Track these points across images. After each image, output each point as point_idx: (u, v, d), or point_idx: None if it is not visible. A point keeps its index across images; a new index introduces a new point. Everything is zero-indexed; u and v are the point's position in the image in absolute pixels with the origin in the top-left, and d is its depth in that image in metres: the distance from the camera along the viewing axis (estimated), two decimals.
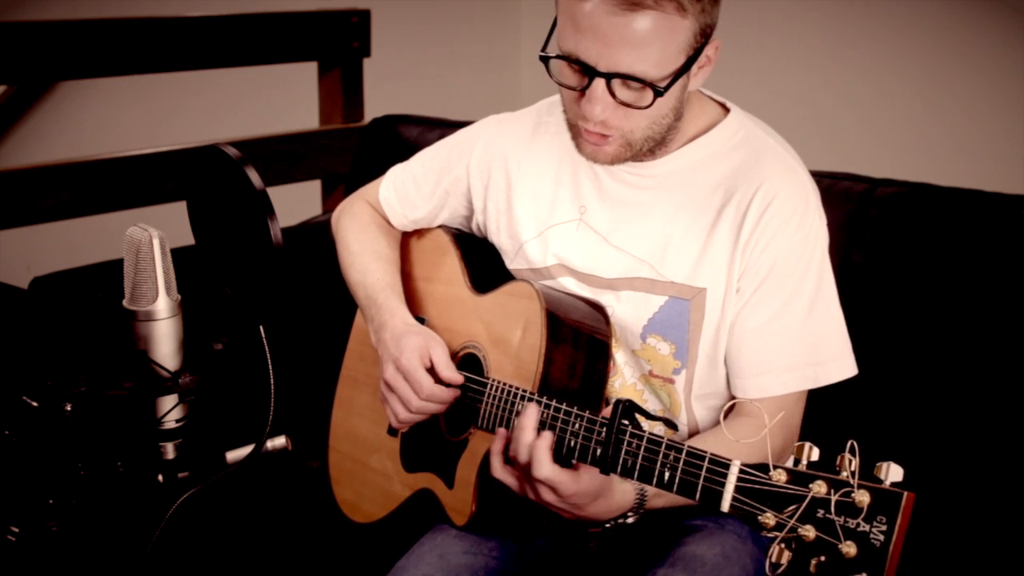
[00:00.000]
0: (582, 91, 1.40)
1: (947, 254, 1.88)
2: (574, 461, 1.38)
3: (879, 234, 1.93)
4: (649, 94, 1.37)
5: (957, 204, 1.91)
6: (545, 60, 1.42)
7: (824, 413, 1.60)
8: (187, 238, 1.43)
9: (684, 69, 1.38)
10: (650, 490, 1.44)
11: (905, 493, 1.06)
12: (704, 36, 1.39)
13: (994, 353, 1.83)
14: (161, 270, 1.34)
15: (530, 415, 1.39)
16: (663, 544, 1.51)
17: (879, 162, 2.68)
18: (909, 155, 3.38)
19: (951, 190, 1.93)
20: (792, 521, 1.11)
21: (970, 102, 3.28)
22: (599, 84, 1.38)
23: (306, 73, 3.25)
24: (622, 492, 1.43)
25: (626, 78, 1.36)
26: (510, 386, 1.50)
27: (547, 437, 1.37)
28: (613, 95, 1.38)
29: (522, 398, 1.47)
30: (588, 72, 1.37)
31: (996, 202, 1.89)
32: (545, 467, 1.35)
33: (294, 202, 3.08)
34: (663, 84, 1.37)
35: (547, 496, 1.38)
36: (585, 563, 1.59)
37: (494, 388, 1.52)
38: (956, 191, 1.93)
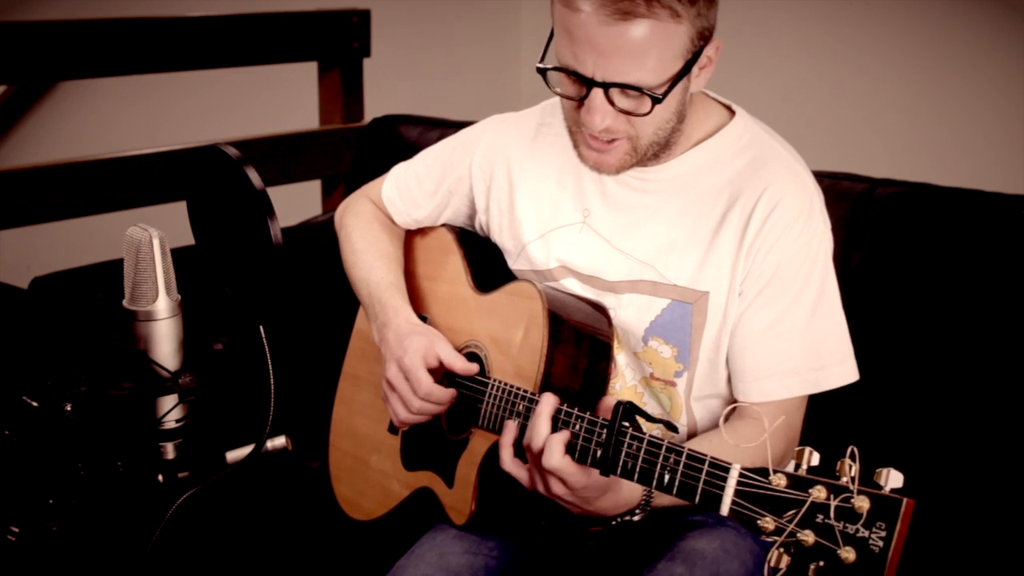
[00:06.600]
0: (581, 101, 1.40)
1: (947, 254, 1.88)
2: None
3: (879, 234, 1.93)
4: (647, 101, 1.37)
5: (957, 204, 1.91)
6: (543, 72, 1.42)
7: (823, 413, 1.60)
8: (187, 238, 1.43)
9: (682, 74, 1.38)
10: None
11: (905, 500, 1.06)
12: (702, 39, 1.38)
13: (994, 354, 1.82)
14: (161, 270, 1.34)
15: (547, 403, 1.39)
16: (663, 539, 1.51)
17: (879, 162, 2.68)
18: (909, 155, 3.38)
19: (951, 190, 1.93)
20: (791, 526, 1.11)
21: (970, 102, 3.28)
22: (597, 94, 1.38)
23: (306, 73, 3.26)
24: (630, 488, 1.43)
25: (623, 87, 1.36)
26: (511, 386, 1.50)
27: (564, 432, 1.37)
28: (612, 103, 1.38)
29: (523, 398, 1.47)
30: (585, 82, 1.37)
31: (996, 202, 1.89)
32: (556, 456, 1.35)
33: (294, 202, 3.08)
34: (661, 91, 1.37)
35: (557, 488, 1.38)
36: (585, 562, 1.59)
37: (495, 388, 1.52)
38: (956, 191, 1.93)
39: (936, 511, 1.61)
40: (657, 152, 1.48)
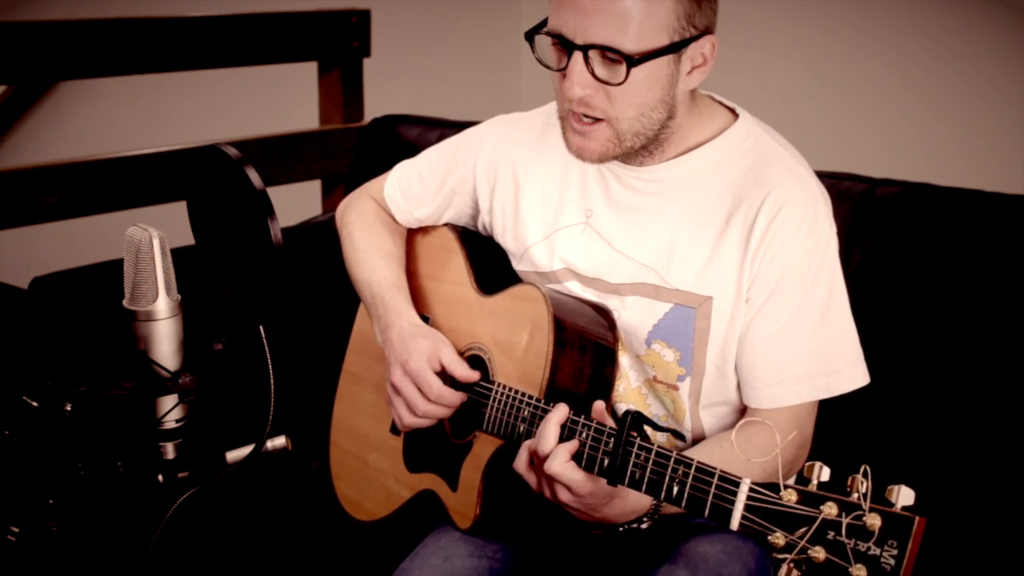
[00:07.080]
0: (563, 72, 1.41)
1: (947, 254, 1.88)
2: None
3: (879, 234, 1.93)
4: (624, 69, 1.38)
5: (957, 204, 1.91)
6: (530, 39, 1.44)
7: (824, 413, 1.60)
8: (187, 238, 1.43)
9: (666, 51, 1.38)
10: None
11: (917, 518, 1.06)
12: (692, 25, 1.39)
13: (995, 353, 1.82)
14: (161, 270, 1.34)
15: (558, 411, 1.39)
16: (666, 542, 1.51)
17: (879, 162, 2.68)
18: (909, 155, 3.38)
19: (951, 190, 1.93)
20: (802, 542, 1.10)
21: (970, 102, 3.28)
22: (577, 59, 1.39)
23: (306, 73, 3.25)
24: (637, 496, 1.42)
25: (602, 49, 1.37)
26: (516, 391, 1.50)
27: (572, 441, 1.37)
28: (591, 70, 1.39)
29: (528, 404, 1.47)
30: (567, 46, 1.39)
31: (996, 202, 1.89)
32: (557, 461, 1.35)
33: (294, 202, 3.08)
34: (638, 57, 1.37)
35: (563, 494, 1.38)
36: (588, 564, 1.59)
37: (500, 393, 1.52)
38: (956, 191, 1.93)
39: (942, 519, 1.61)
40: (645, 144, 1.48)
